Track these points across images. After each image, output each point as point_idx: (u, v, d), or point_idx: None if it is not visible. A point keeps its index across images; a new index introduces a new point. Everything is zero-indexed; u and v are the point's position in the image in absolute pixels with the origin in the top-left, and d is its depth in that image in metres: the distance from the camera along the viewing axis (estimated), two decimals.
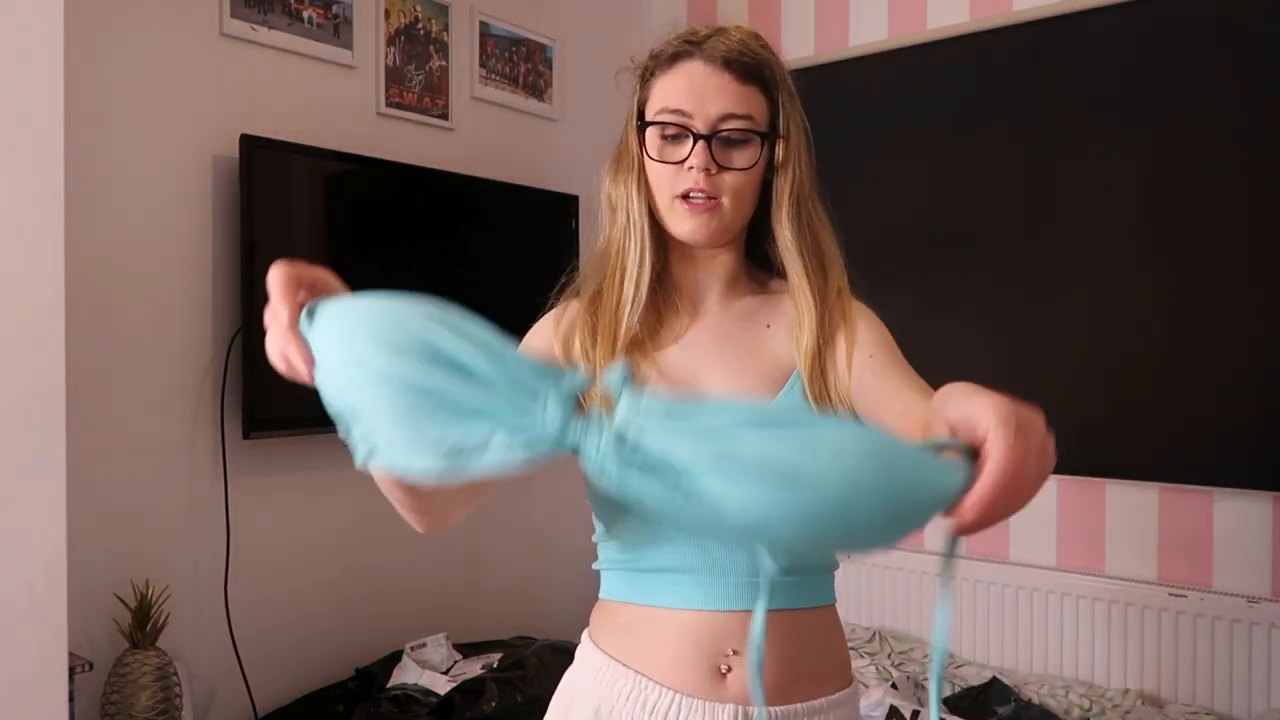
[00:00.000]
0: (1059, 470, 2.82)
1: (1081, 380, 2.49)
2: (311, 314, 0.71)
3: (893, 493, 0.58)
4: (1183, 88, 2.38)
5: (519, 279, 2.72)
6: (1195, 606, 2.33)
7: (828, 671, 1.02)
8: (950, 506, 0.60)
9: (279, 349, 0.74)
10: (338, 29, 2.45)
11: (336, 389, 0.68)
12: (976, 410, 0.60)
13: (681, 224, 1.01)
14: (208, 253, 2.21)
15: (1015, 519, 2.62)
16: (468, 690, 2.15)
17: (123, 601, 1.97)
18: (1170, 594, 2.37)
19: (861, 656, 2.57)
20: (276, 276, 0.72)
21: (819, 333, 1.01)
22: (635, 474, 0.58)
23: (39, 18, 1.53)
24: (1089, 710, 2.27)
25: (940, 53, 2.74)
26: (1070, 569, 2.55)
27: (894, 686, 2.18)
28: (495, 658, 2.38)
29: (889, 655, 2.61)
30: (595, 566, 1.07)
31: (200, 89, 2.19)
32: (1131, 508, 2.48)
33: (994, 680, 2.37)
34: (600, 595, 1.07)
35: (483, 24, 2.81)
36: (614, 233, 1.07)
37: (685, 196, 1.00)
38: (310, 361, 0.71)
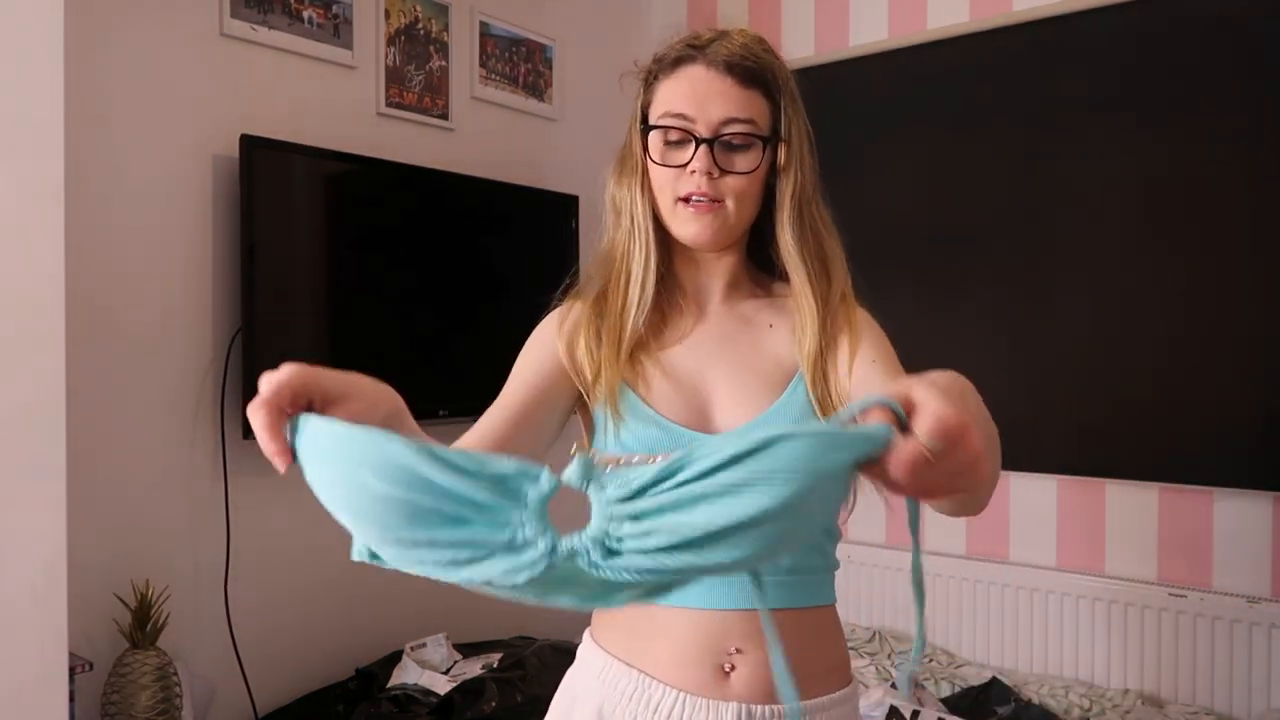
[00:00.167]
0: (1059, 470, 2.82)
1: (1081, 380, 2.49)
2: (295, 426, 0.66)
3: (835, 482, 0.57)
4: (1183, 88, 2.38)
5: (519, 279, 2.73)
6: (1195, 606, 2.33)
7: (827, 670, 1.03)
8: (873, 464, 0.57)
9: (258, 435, 0.68)
10: (338, 29, 2.45)
11: (328, 499, 0.66)
12: (909, 381, 0.59)
13: (685, 227, 1.02)
14: (208, 253, 2.21)
15: (1015, 519, 2.63)
16: (468, 690, 2.15)
17: (123, 601, 1.97)
18: (1170, 594, 2.37)
19: (861, 656, 2.58)
20: (270, 381, 0.66)
21: (821, 335, 1.01)
22: (629, 569, 0.57)
23: (39, 18, 1.53)
24: (1089, 710, 2.27)
25: (940, 53, 2.74)
26: (1070, 569, 2.55)
27: (894, 686, 2.18)
28: (495, 658, 2.38)
29: (889, 655, 2.61)
30: None
31: (200, 89, 2.19)
32: (1131, 508, 2.48)
33: (994, 680, 2.37)
34: None
35: (483, 24, 2.81)
36: (618, 235, 1.07)
37: (687, 199, 1.00)
38: (286, 456, 0.67)
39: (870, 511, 2.90)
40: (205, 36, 2.19)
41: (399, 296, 2.50)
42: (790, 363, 1.03)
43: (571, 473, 0.59)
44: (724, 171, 0.99)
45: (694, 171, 0.99)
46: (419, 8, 2.65)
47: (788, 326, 1.05)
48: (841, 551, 1.09)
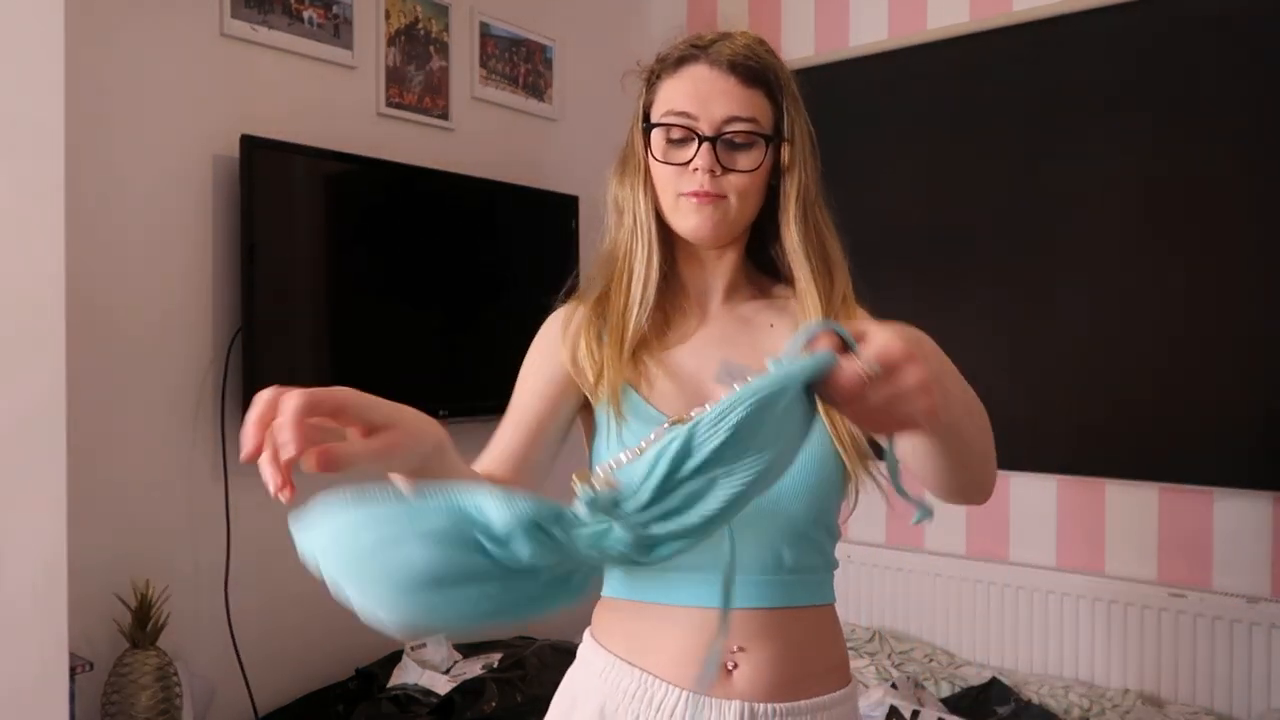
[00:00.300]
0: (1059, 470, 2.81)
1: (1081, 380, 2.49)
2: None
3: (797, 409, 0.62)
4: (1183, 88, 2.38)
5: (519, 279, 2.73)
6: (1195, 606, 2.33)
7: (827, 670, 1.03)
8: (819, 382, 0.62)
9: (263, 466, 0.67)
10: (338, 29, 2.45)
11: (348, 573, 0.64)
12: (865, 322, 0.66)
13: (686, 219, 1.02)
14: (208, 253, 2.21)
15: (1015, 519, 2.63)
16: (468, 690, 2.15)
17: (123, 601, 1.97)
18: (1170, 594, 2.37)
19: (861, 656, 2.58)
20: (290, 405, 0.65)
21: None
22: (669, 550, 0.61)
23: (39, 18, 1.53)
24: (1089, 710, 2.27)
25: (940, 53, 2.74)
26: (1070, 569, 2.55)
27: (894, 686, 2.18)
28: (495, 658, 2.38)
29: (889, 655, 2.61)
30: None
31: (200, 89, 2.19)
32: (1131, 508, 2.48)
33: (994, 680, 2.37)
34: (603, 593, 1.08)
35: (483, 24, 2.81)
36: (620, 235, 1.08)
37: (687, 195, 1.01)
38: (289, 488, 0.66)
39: (870, 511, 2.90)
40: (205, 36, 2.19)
41: (399, 297, 2.50)
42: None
43: (584, 510, 0.59)
44: (726, 169, 1.00)
45: (696, 169, 0.99)
46: (419, 8, 2.65)
47: (788, 326, 1.05)
48: (841, 551, 1.09)
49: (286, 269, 2.28)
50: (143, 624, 1.95)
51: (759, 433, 0.60)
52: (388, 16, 2.57)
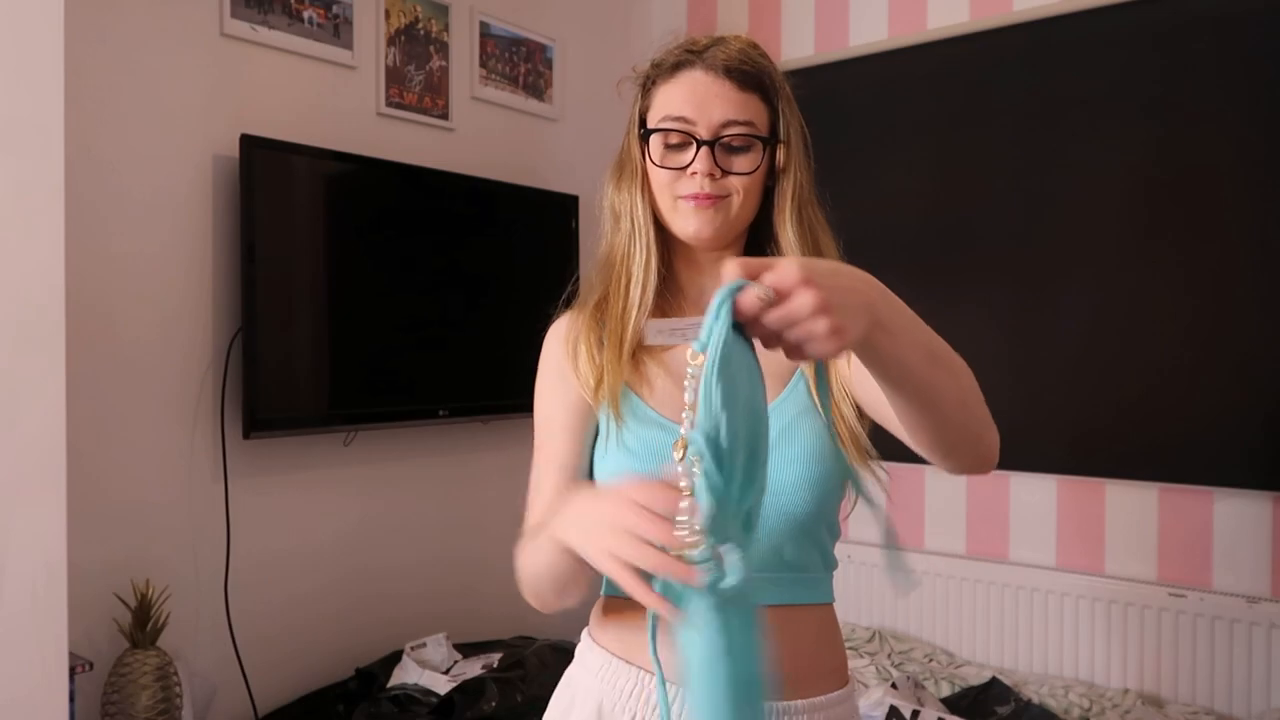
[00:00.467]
0: (1059, 470, 2.80)
1: (1081, 380, 2.49)
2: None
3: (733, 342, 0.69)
4: (1183, 87, 2.38)
5: (519, 279, 2.73)
6: (1195, 606, 2.33)
7: (826, 670, 1.03)
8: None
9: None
10: (338, 29, 2.45)
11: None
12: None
13: (686, 222, 1.03)
14: (208, 253, 2.21)
15: (1015, 519, 2.63)
16: (468, 690, 2.15)
17: (123, 601, 1.97)
18: (1170, 594, 2.37)
19: (861, 656, 2.58)
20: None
21: None
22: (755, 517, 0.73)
23: (39, 18, 1.53)
24: (1089, 710, 2.27)
25: (940, 53, 2.74)
26: (1070, 569, 2.55)
27: (894, 686, 2.18)
28: (495, 658, 2.38)
29: (889, 655, 2.61)
30: None
31: (200, 89, 2.19)
32: (1131, 508, 2.48)
33: (994, 680, 2.37)
34: (602, 592, 1.08)
35: (483, 24, 2.82)
36: (617, 239, 1.08)
37: (686, 198, 1.02)
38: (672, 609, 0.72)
39: (870, 511, 2.90)
40: (205, 36, 2.19)
41: (399, 296, 2.50)
42: (790, 364, 1.03)
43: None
44: (725, 172, 1.01)
45: (695, 173, 1.00)
46: (419, 8, 2.65)
47: None
48: (841, 551, 1.09)
49: (286, 269, 2.28)
50: (143, 624, 1.95)
51: (736, 374, 0.67)
52: (388, 16, 2.57)
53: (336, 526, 2.44)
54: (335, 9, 2.44)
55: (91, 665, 1.86)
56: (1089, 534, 2.54)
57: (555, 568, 0.90)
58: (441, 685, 2.21)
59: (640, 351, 1.05)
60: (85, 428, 1.94)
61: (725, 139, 1.00)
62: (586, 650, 1.07)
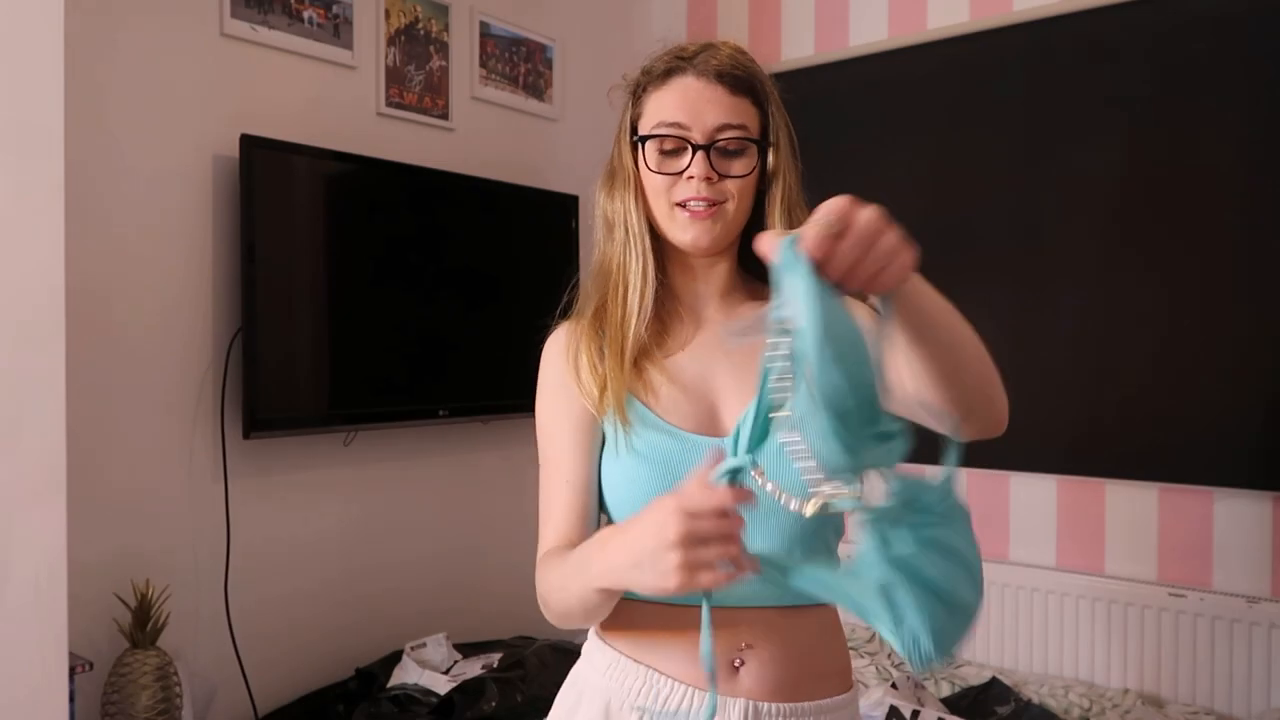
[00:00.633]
0: (1059, 470, 2.80)
1: (1081, 380, 2.49)
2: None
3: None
4: (1183, 87, 2.38)
5: (519, 279, 2.73)
6: (1195, 606, 2.33)
7: (831, 672, 1.04)
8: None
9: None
10: (338, 29, 2.45)
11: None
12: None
13: (684, 231, 1.03)
14: (208, 253, 2.21)
15: (1016, 519, 2.63)
16: (468, 690, 2.15)
17: (123, 601, 1.97)
18: (1170, 594, 2.37)
19: (861, 656, 2.58)
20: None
21: None
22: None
23: (39, 18, 1.53)
24: (1089, 710, 2.27)
25: (940, 53, 2.74)
26: (1070, 569, 2.55)
27: (894, 686, 2.18)
28: (495, 658, 2.38)
29: (889, 655, 2.61)
30: None
31: (200, 89, 2.19)
32: (1131, 508, 2.48)
33: (994, 680, 2.37)
34: None
35: (483, 24, 2.81)
36: (612, 248, 1.09)
37: (684, 205, 1.03)
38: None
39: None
40: (205, 36, 2.19)
41: (399, 296, 2.50)
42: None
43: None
44: (722, 176, 1.02)
45: (692, 178, 1.01)
46: (419, 8, 2.65)
47: None
48: (841, 551, 1.09)
49: (286, 269, 2.28)
50: (143, 624, 1.95)
51: (834, 323, 0.67)
52: (388, 16, 2.57)
53: (336, 526, 2.44)
54: (335, 9, 2.44)
55: (91, 665, 1.86)
56: (1089, 534, 2.54)
57: (587, 604, 0.93)
58: (441, 685, 2.21)
59: (642, 359, 1.05)
60: (85, 428, 1.94)
61: (720, 143, 1.02)
62: (594, 648, 1.07)
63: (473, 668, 2.33)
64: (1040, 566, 2.59)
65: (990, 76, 2.65)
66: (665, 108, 1.03)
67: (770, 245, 0.69)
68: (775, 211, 1.06)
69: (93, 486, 1.97)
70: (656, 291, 1.07)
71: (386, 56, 2.57)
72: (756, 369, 1.04)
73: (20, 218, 1.50)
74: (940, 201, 2.73)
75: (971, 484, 2.72)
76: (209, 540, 2.19)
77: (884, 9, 2.89)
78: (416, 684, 2.23)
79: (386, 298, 2.47)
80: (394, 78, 2.59)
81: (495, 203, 2.74)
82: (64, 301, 1.55)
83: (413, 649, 2.37)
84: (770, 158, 1.06)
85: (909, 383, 0.89)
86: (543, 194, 2.85)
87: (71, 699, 1.63)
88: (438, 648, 2.42)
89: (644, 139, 1.05)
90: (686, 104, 1.02)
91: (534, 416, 1.10)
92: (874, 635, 2.72)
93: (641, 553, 0.78)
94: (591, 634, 1.09)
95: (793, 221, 1.07)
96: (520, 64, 2.93)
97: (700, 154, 1.01)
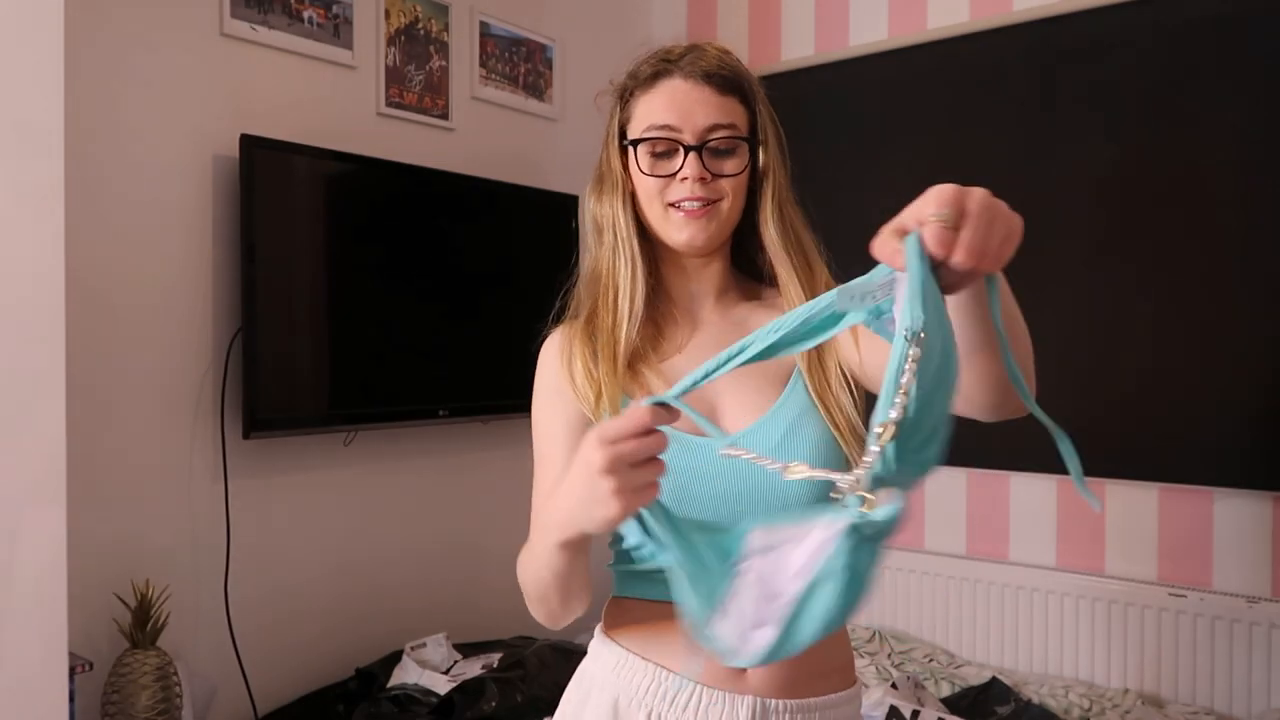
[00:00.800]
0: (1059, 470, 2.81)
1: (1081, 380, 2.49)
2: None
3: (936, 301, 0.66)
4: (1182, 87, 2.38)
5: (519, 279, 2.73)
6: (1195, 606, 2.33)
7: (834, 668, 1.04)
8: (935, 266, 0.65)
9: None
10: (338, 29, 2.45)
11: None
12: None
13: (679, 232, 1.04)
14: (208, 253, 2.21)
15: (1016, 519, 2.63)
16: (468, 690, 2.15)
17: (123, 601, 1.97)
18: (1170, 594, 2.37)
19: (861, 656, 2.58)
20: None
21: None
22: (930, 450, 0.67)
23: (39, 18, 1.53)
24: (1089, 710, 2.27)
25: (940, 53, 2.74)
26: (1070, 569, 2.55)
27: (894, 686, 2.18)
28: (495, 658, 2.38)
29: (889, 655, 2.62)
30: (609, 567, 1.08)
31: (200, 89, 2.19)
32: (1131, 508, 2.48)
33: (994, 680, 2.37)
34: (614, 593, 1.08)
35: (483, 24, 2.81)
36: (602, 253, 1.10)
37: (678, 205, 1.03)
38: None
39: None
40: (205, 36, 2.19)
41: (399, 296, 2.50)
42: (789, 361, 1.04)
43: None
44: (715, 175, 1.03)
45: (685, 179, 1.02)
46: (419, 8, 2.65)
47: None
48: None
49: (286, 269, 2.28)
50: (143, 624, 1.95)
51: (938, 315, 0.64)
52: (388, 16, 2.57)
53: (336, 526, 2.44)
54: (335, 9, 2.44)
55: (91, 665, 1.86)
56: (1089, 534, 2.54)
57: (555, 567, 0.90)
58: (441, 685, 2.21)
59: (638, 362, 1.05)
60: (85, 428, 1.94)
61: (712, 143, 1.02)
62: (601, 647, 1.07)
63: (473, 668, 2.33)
64: (1040, 566, 2.59)
65: (990, 76, 2.65)
66: (655, 110, 1.04)
67: (890, 249, 0.65)
68: (766, 209, 1.07)
69: (93, 486, 1.97)
70: (650, 294, 1.07)
71: (386, 56, 2.57)
72: (752, 369, 1.04)
73: (20, 218, 1.50)
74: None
75: (972, 484, 2.72)
76: (209, 540, 2.19)
77: (884, 9, 2.89)
78: (416, 684, 2.23)
79: (386, 298, 2.47)
80: (394, 78, 2.59)
81: (495, 203, 2.74)
82: (64, 301, 1.55)
83: (413, 649, 2.37)
84: (760, 156, 1.07)
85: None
86: (543, 194, 2.85)
87: (71, 699, 1.63)
88: (438, 648, 2.42)
89: (635, 142, 1.05)
90: (676, 106, 1.03)
91: (533, 434, 1.11)
92: (874, 635, 2.72)
93: (580, 489, 0.77)
94: (597, 632, 1.10)
95: (784, 218, 1.08)
96: (520, 64, 2.93)
97: (692, 155, 1.01)
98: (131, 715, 1.89)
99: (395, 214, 2.51)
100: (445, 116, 2.71)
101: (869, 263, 0.72)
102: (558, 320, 1.14)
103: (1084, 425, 2.45)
